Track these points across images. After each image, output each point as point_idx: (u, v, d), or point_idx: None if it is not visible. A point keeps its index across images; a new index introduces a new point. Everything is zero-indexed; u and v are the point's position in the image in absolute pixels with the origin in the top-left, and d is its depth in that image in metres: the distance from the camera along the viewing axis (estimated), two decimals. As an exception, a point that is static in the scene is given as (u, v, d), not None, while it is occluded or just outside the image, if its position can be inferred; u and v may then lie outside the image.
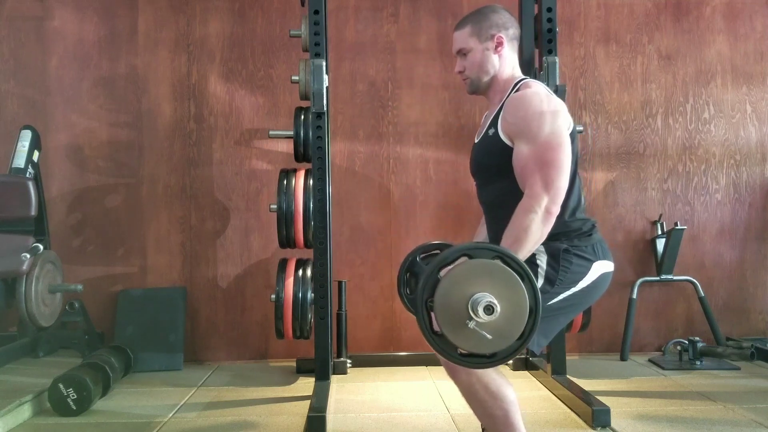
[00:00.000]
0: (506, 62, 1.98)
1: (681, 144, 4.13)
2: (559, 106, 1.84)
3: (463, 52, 2.00)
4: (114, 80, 4.01)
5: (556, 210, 1.75)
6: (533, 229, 1.72)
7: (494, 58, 1.97)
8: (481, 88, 2.01)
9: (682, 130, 4.13)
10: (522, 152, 1.80)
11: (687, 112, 4.13)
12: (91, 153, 4.00)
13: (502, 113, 1.89)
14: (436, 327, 1.59)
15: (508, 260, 1.58)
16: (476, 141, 2.03)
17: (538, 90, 1.88)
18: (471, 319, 1.52)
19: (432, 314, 1.57)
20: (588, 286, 1.86)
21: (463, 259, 1.59)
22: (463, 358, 1.61)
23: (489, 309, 1.52)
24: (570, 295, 1.84)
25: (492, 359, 1.61)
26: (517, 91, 1.91)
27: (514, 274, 1.56)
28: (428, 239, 4.03)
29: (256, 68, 4.03)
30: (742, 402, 3.01)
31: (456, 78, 4.01)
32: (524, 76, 2.01)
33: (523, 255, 1.69)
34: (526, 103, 1.84)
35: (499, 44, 1.96)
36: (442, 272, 1.58)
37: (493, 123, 1.91)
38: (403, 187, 4.05)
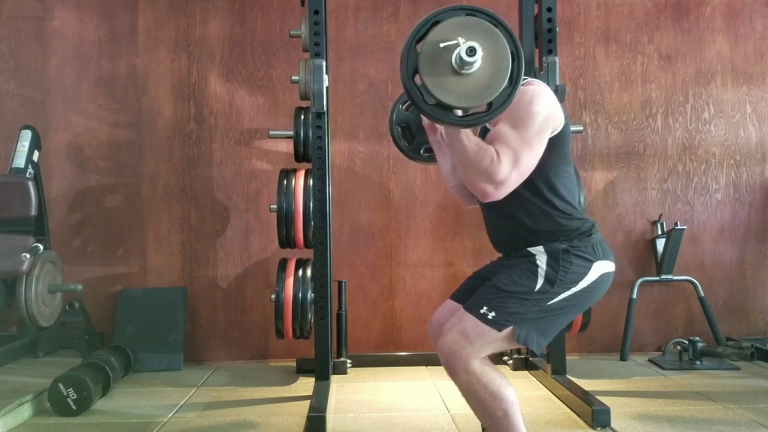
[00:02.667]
0: None
1: (681, 144, 4.13)
2: (551, 109, 1.82)
3: None
4: (114, 80, 4.01)
5: (493, 197, 1.75)
6: (476, 169, 1.72)
7: None
8: None
9: (682, 130, 4.13)
10: (501, 129, 1.78)
11: (687, 112, 4.13)
12: (91, 153, 4.00)
13: None
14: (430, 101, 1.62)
15: (479, 14, 1.64)
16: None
17: (537, 90, 1.87)
18: (453, 67, 1.57)
19: (422, 84, 1.60)
20: (588, 287, 1.86)
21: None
22: (463, 119, 1.64)
23: (471, 50, 1.55)
24: (570, 296, 1.84)
25: (490, 111, 1.62)
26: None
27: (488, 22, 1.61)
28: (428, 239, 4.06)
29: (256, 68, 4.03)
30: (742, 402, 3.01)
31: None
32: (525, 76, 2.01)
33: (460, 149, 1.71)
34: (520, 98, 1.83)
35: None
36: (418, 46, 1.62)
37: None
38: (403, 187, 4.05)
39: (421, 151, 2.20)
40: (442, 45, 1.58)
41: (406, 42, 1.62)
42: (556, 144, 1.84)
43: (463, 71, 1.58)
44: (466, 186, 1.83)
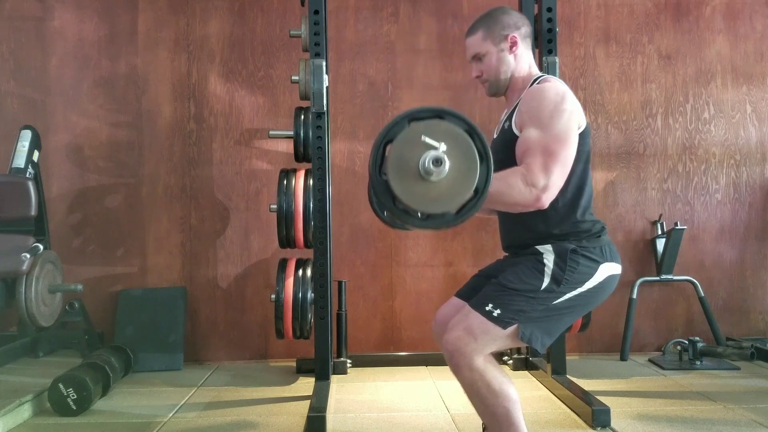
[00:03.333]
0: (522, 60, 2.00)
1: (681, 144, 4.13)
2: (574, 105, 1.85)
3: (478, 57, 2.01)
4: (114, 80, 4.01)
5: (545, 201, 1.75)
6: (514, 195, 1.73)
7: (510, 58, 1.99)
8: (501, 89, 2.02)
9: (682, 130, 4.13)
10: (529, 136, 1.80)
11: (687, 112, 4.13)
12: (91, 153, 4.00)
13: (518, 106, 1.90)
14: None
15: (448, 116, 1.61)
16: (495, 137, 2.04)
17: (556, 86, 1.88)
18: (425, 179, 1.55)
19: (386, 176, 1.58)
20: (594, 287, 1.87)
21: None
22: (427, 222, 1.62)
23: (437, 161, 1.54)
24: (576, 296, 1.85)
25: (478, 196, 1.60)
26: (537, 84, 1.93)
27: (461, 131, 1.59)
28: (428, 239, 4.06)
29: (256, 68, 4.03)
30: (742, 402, 3.01)
31: (456, 78, 4.06)
32: (543, 73, 2.02)
33: (491, 200, 1.68)
34: (542, 95, 1.85)
35: (514, 44, 1.98)
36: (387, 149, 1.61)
37: (509, 117, 1.92)
38: (403, 187, 4.04)
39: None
40: (406, 170, 1.55)
41: (371, 173, 1.60)
42: (578, 141, 1.85)
43: (434, 177, 1.55)
44: (519, 211, 1.81)
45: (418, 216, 1.61)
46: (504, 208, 1.80)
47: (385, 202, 1.61)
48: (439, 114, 1.61)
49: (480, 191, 1.60)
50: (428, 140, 1.55)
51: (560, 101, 1.82)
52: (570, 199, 1.89)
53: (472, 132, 1.59)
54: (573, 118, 1.82)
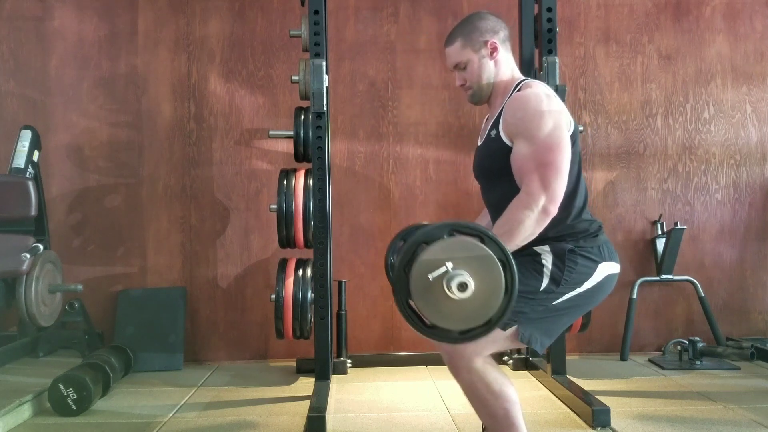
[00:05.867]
0: (504, 65, 1.99)
1: (681, 144, 4.13)
2: (559, 106, 1.84)
3: (460, 66, 2.00)
4: (114, 80, 4.01)
5: (554, 210, 1.75)
6: (527, 225, 1.73)
7: (491, 64, 1.97)
8: (484, 96, 2.01)
9: (682, 130, 4.13)
10: (521, 151, 1.80)
11: (687, 112, 4.13)
12: (91, 153, 4.00)
13: (502, 114, 1.89)
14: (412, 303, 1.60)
15: (463, 228, 1.60)
16: (479, 144, 2.03)
17: (538, 90, 1.88)
18: (445, 292, 1.53)
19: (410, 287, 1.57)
20: (593, 287, 1.87)
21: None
22: (462, 335, 1.62)
23: (462, 286, 1.52)
24: (575, 296, 1.85)
25: (489, 324, 1.60)
26: (518, 91, 1.92)
27: (496, 259, 1.56)
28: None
29: (256, 68, 4.03)
30: (742, 402, 3.01)
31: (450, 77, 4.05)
32: (525, 77, 2.01)
33: (511, 247, 1.68)
34: (525, 103, 1.84)
35: (494, 49, 1.97)
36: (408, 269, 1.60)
37: (495, 125, 1.91)
38: (403, 187, 4.05)
39: None
40: (431, 277, 1.54)
41: (397, 268, 1.60)
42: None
43: (455, 296, 1.54)
44: (539, 230, 1.80)
45: (424, 323, 1.61)
46: (525, 241, 1.78)
47: (400, 297, 1.60)
48: (481, 236, 1.59)
49: (492, 323, 1.59)
50: (465, 276, 1.53)
51: (544, 106, 1.81)
52: (565, 200, 1.88)
53: (506, 264, 1.57)
54: (560, 120, 1.81)
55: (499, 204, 1.94)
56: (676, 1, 4.14)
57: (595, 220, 1.94)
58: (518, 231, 1.72)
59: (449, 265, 1.53)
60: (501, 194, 1.91)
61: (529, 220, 1.73)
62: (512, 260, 1.58)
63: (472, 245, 1.57)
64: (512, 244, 1.70)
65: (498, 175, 1.89)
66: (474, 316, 1.59)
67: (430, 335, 1.64)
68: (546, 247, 1.86)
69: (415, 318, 1.62)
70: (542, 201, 1.73)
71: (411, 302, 1.59)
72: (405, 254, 1.59)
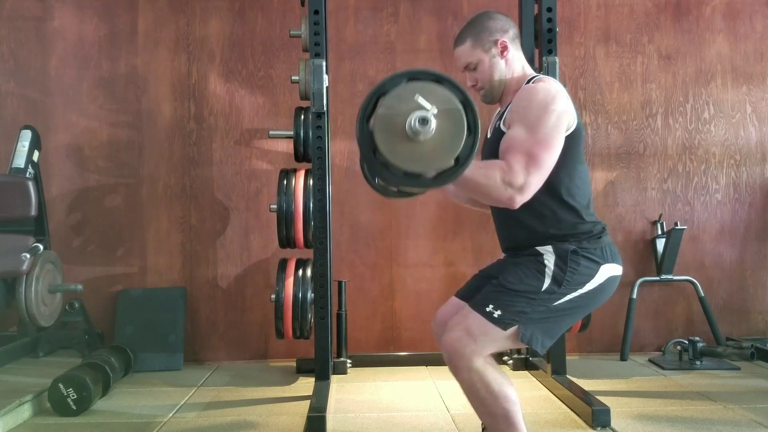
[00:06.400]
0: (514, 63, 2.00)
1: (681, 144, 4.13)
2: (564, 107, 1.83)
3: (471, 67, 2.00)
4: (114, 80, 4.01)
5: (518, 202, 1.75)
6: (490, 188, 1.73)
7: (502, 63, 1.98)
8: (496, 95, 2.02)
9: (682, 130, 4.13)
10: (514, 135, 1.80)
11: (687, 112, 4.13)
12: (91, 153, 4.00)
13: (510, 105, 1.89)
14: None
15: (421, 75, 1.63)
16: (487, 137, 2.03)
17: (548, 86, 1.87)
18: (409, 135, 1.57)
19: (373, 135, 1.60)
20: (595, 289, 1.86)
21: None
22: (434, 180, 1.64)
23: (423, 121, 1.56)
24: (576, 297, 1.84)
25: (458, 165, 1.62)
26: (529, 84, 1.92)
27: (456, 99, 1.60)
28: (428, 239, 4.06)
29: (256, 68, 4.03)
30: (742, 402, 3.01)
31: (456, 77, 4.02)
32: (536, 73, 2.02)
33: (467, 185, 1.72)
34: (533, 95, 1.85)
35: (504, 48, 1.97)
36: (370, 122, 1.63)
37: (501, 117, 1.92)
38: (403, 187, 4.04)
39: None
40: (392, 121, 1.58)
41: (358, 121, 1.63)
42: (569, 142, 1.84)
43: (420, 138, 1.58)
44: (490, 204, 1.82)
45: (397, 173, 1.63)
46: (477, 197, 1.80)
47: (366, 153, 1.62)
48: (438, 79, 1.63)
49: (461, 161, 1.61)
50: (421, 100, 1.57)
51: (550, 102, 1.81)
52: (568, 199, 1.88)
53: (466, 103, 1.61)
54: (561, 120, 1.81)
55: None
56: (676, 1, 4.14)
57: (599, 221, 1.94)
58: (483, 183, 1.72)
59: (409, 106, 1.57)
60: None
61: (495, 188, 1.72)
62: (472, 101, 1.62)
63: (431, 87, 1.61)
64: (467, 180, 1.69)
65: None
66: (442, 156, 1.60)
67: (404, 184, 1.66)
68: (549, 248, 1.86)
69: (385, 171, 1.63)
70: (518, 183, 1.72)
71: (378, 156, 1.61)
72: (365, 107, 1.62)
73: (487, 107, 2.11)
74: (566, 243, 1.85)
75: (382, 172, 1.64)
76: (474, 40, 1.97)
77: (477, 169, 1.71)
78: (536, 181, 1.75)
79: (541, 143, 1.76)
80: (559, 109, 1.81)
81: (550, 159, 1.77)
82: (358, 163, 2.07)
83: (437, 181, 1.64)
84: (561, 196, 1.88)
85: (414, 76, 1.63)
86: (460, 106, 1.60)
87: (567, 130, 1.83)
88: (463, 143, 1.60)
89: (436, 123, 1.57)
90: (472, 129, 1.60)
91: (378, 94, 1.62)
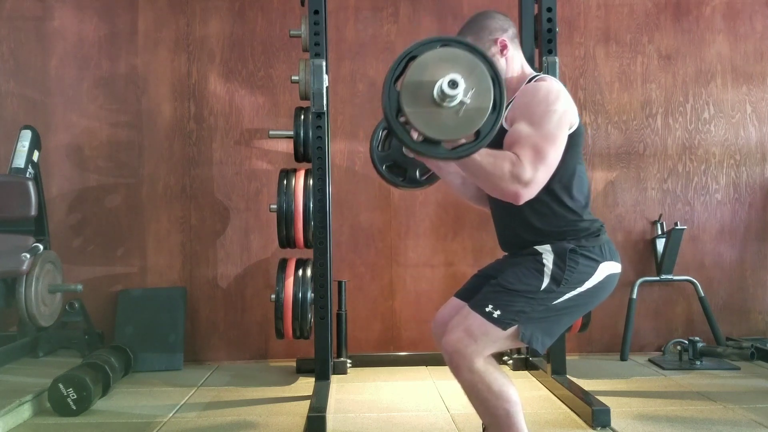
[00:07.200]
0: (514, 62, 2.00)
1: (681, 144, 4.13)
2: (566, 106, 1.83)
3: None
4: (114, 80, 4.01)
5: (524, 198, 1.74)
6: (497, 177, 1.71)
7: (502, 62, 1.98)
8: None
9: (682, 130, 4.13)
10: (520, 130, 1.79)
11: (687, 112, 4.13)
12: (91, 153, 4.00)
13: (512, 103, 1.89)
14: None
15: (454, 43, 1.64)
16: None
17: (550, 85, 1.88)
18: (435, 100, 1.56)
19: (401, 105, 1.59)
20: (594, 287, 1.86)
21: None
22: (453, 152, 1.63)
23: (452, 83, 1.55)
24: (576, 295, 1.84)
25: (478, 140, 1.61)
26: (530, 83, 1.92)
27: (486, 71, 1.60)
28: (428, 239, 4.06)
29: (256, 68, 4.03)
30: (742, 402, 3.01)
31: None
32: (537, 72, 2.02)
33: (475, 170, 1.71)
34: (536, 93, 1.85)
35: (504, 47, 1.97)
36: (398, 84, 1.62)
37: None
38: (403, 187, 4.04)
39: (421, 179, 2.18)
40: (421, 80, 1.57)
41: (385, 81, 1.62)
42: (571, 142, 1.84)
43: (445, 104, 1.57)
44: (495, 195, 1.81)
45: (414, 137, 1.62)
46: (482, 185, 1.79)
47: (390, 114, 1.60)
48: (472, 49, 1.63)
49: (481, 137, 1.61)
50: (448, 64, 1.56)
51: (554, 101, 1.82)
52: (567, 199, 1.89)
53: (495, 79, 1.60)
54: (564, 119, 1.81)
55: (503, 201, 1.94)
56: (676, 1, 4.14)
57: (596, 219, 1.94)
58: (491, 172, 1.71)
59: (439, 71, 1.56)
60: None
61: (502, 179, 1.71)
62: (502, 79, 1.61)
63: (464, 55, 1.60)
64: (476, 161, 1.69)
65: None
66: (464, 126, 1.59)
67: (421, 151, 1.64)
68: (547, 247, 1.86)
69: (405, 135, 1.62)
70: (526, 177, 1.71)
71: (399, 116, 1.60)
72: (394, 68, 1.61)
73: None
74: (565, 242, 1.85)
75: (401, 133, 1.62)
76: (473, 38, 1.97)
77: (487, 156, 1.70)
78: (542, 177, 1.75)
79: (547, 139, 1.76)
80: (562, 108, 1.82)
81: (555, 155, 1.77)
82: (367, 152, 2.07)
83: (454, 152, 1.63)
84: (560, 196, 1.88)
85: (447, 42, 1.63)
86: (490, 81, 1.60)
87: (569, 129, 1.84)
88: (486, 118, 1.59)
89: (464, 92, 1.56)
90: (497, 106, 1.60)
91: (409, 57, 1.61)
